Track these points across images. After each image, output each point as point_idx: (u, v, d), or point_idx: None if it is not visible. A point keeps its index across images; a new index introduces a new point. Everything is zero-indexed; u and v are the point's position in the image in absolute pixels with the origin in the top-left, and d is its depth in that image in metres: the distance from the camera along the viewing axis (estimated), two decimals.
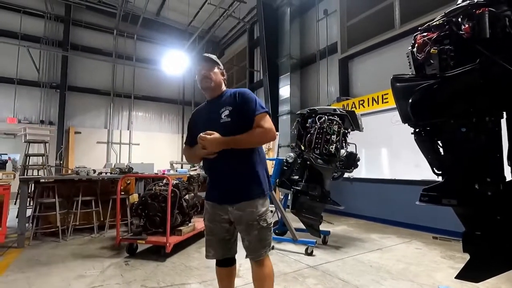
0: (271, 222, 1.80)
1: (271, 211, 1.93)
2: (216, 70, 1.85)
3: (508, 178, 1.53)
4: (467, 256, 1.66)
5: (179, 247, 3.72)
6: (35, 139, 6.79)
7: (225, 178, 1.75)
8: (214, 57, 1.88)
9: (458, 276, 1.70)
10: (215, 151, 1.63)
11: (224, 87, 1.90)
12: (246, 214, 1.70)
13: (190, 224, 4.05)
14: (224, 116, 1.71)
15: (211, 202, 1.81)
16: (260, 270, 1.75)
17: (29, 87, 10.26)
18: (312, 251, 3.57)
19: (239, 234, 1.82)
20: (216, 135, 1.62)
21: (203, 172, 6.92)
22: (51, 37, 10.63)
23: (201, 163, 1.91)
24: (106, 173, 5.12)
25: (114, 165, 5.81)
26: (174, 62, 9.46)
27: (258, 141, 1.74)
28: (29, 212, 4.30)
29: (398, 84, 1.80)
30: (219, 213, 1.76)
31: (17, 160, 7.84)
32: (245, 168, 1.74)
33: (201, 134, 1.64)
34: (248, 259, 1.81)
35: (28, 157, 6.72)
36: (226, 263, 1.84)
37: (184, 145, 2.00)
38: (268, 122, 1.69)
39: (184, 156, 2.04)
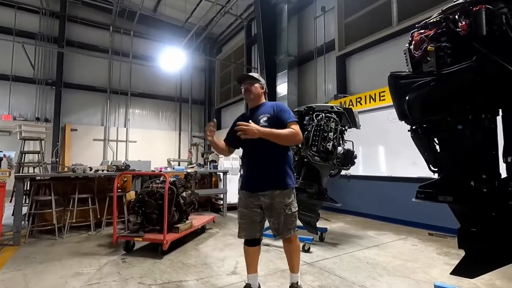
0: (296, 211, 2.22)
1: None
2: (256, 85, 2.30)
3: (503, 175, 1.54)
4: (462, 253, 1.67)
5: (176, 245, 3.72)
6: (30, 136, 6.74)
7: (260, 170, 2.15)
8: (256, 75, 2.37)
9: (454, 272, 1.72)
10: (253, 136, 1.98)
11: (263, 99, 2.36)
12: (275, 203, 2.11)
13: (187, 222, 4.05)
14: (263, 121, 2.15)
15: (245, 191, 2.23)
16: (289, 245, 2.25)
17: (24, 84, 10.14)
18: (309, 248, 3.59)
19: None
20: (254, 125, 1.99)
21: (200, 169, 6.92)
22: (46, 33, 10.50)
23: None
24: (102, 170, 5.10)
25: (111, 163, 5.77)
26: (171, 59, 9.40)
27: (289, 138, 2.09)
28: (25, 209, 4.28)
29: (395, 81, 1.80)
30: (252, 200, 2.19)
31: (13, 158, 7.76)
32: (278, 163, 2.15)
33: (238, 124, 2.01)
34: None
35: (23, 155, 6.67)
36: (254, 243, 2.26)
37: (224, 141, 2.41)
38: (298, 128, 2.13)
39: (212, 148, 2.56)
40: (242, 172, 2.35)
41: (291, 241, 2.23)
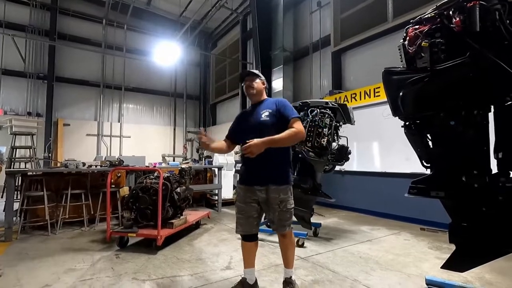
0: (292, 208, 2.23)
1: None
2: (258, 80, 2.32)
3: (494, 171, 1.56)
4: (453, 247, 1.70)
5: (170, 240, 3.71)
6: (21, 131, 6.61)
7: (258, 165, 2.14)
8: (256, 71, 2.38)
9: (444, 266, 1.75)
10: (260, 151, 1.97)
11: (265, 95, 2.38)
12: (270, 198, 2.15)
13: (181, 217, 4.04)
14: (264, 116, 2.18)
15: (243, 186, 2.26)
16: (284, 240, 2.27)
17: (15, 78, 9.93)
18: (303, 243, 3.61)
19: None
20: (255, 141, 1.96)
21: (195, 165, 6.88)
22: (37, 26, 10.27)
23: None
24: (96, 166, 5.05)
25: (105, 158, 5.71)
26: (166, 53, 9.28)
27: (292, 139, 2.11)
28: (16, 205, 4.22)
29: (389, 77, 1.81)
30: (249, 194, 2.21)
31: (3, 153, 7.63)
32: (276, 160, 2.16)
33: (242, 146, 2.00)
34: None
35: (15, 150, 6.56)
36: (250, 238, 2.28)
37: (226, 138, 2.45)
38: (299, 125, 2.13)
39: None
40: (241, 167, 2.37)
41: (286, 236, 2.26)
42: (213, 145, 2.33)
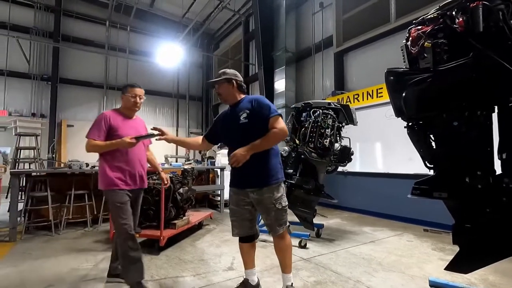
0: (286, 205, 2.17)
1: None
2: (225, 84, 2.19)
3: (498, 172, 1.55)
4: (456, 248, 1.69)
5: (173, 241, 3.72)
6: (26, 132, 6.68)
7: (246, 167, 2.00)
8: (226, 71, 2.23)
9: (448, 268, 1.73)
10: (245, 160, 1.95)
11: (241, 95, 2.24)
12: (264, 198, 2.08)
13: (184, 218, 4.05)
14: (243, 118, 2.08)
15: (235, 188, 2.20)
16: (280, 242, 2.17)
17: (19, 79, 10.02)
18: (305, 244, 3.60)
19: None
20: (238, 150, 1.96)
21: (197, 165, 6.89)
22: (42, 28, 10.35)
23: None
24: None
25: None
26: (168, 55, 9.32)
27: (275, 141, 2.08)
28: (21, 206, 4.25)
29: (392, 77, 1.80)
30: (242, 197, 2.16)
31: (8, 153, 7.71)
32: (263, 159, 2.07)
33: (229, 160, 2.04)
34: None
35: (19, 150, 6.62)
36: (248, 239, 2.24)
37: (203, 137, 2.42)
38: (280, 123, 2.04)
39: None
40: (230, 170, 2.28)
41: (283, 237, 2.15)
42: (176, 138, 2.40)
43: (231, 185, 2.25)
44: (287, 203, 2.19)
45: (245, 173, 2.08)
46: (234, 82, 2.20)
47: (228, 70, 2.24)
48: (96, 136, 2.42)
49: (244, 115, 2.08)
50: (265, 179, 2.08)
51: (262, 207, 2.11)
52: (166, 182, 2.81)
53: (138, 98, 2.56)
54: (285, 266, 2.19)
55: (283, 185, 2.19)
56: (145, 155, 2.64)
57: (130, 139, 2.28)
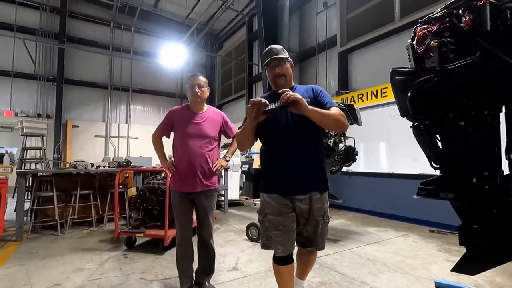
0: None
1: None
2: (287, 65, 1.87)
3: (505, 172, 1.53)
4: (463, 249, 1.67)
5: None
6: (32, 132, 6.75)
7: (298, 168, 1.67)
8: (279, 47, 1.85)
9: (454, 269, 1.71)
10: (304, 110, 1.52)
11: (293, 81, 1.93)
12: (314, 209, 1.71)
13: None
14: None
15: (277, 195, 1.72)
16: (312, 256, 1.94)
17: (25, 80, 10.15)
18: None
19: None
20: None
21: None
22: (47, 29, 10.47)
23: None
24: (104, 166, 5.11)
25: (112, 159, 5.79)
26: (172, 55, 9.36)
27: (335, 120, 1.66)
28: (27, 205, 4.30)
29: (397, 77, 1.78)
30: (285, 204, 1.71)
31: (14, 154, 7.79)
32: (317, 160, 1.77)
33: (281, 92, 1.55)
34: None
35: (25, 151, 6.69)
36: (288, 260, 1.74)
37: (238, 129, 2.00)
38: (343, 115, 1.72)
39: (236, 142, 1.97)
40: (264, 169, 1.86)
41: (315, 252, 1.95)
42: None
43: (267, 190, 1.77)
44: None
45: (293, 175, 1.69)
46: (293, 65, 1.91)
47: (280, 47, 1.86)
48: (158, 130, 2.55)
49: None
50: (318, 184, 1.74)
51: (309, 218, 1.73)
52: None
53: (197, 87, 2.30)
54: (304, 274, 2.05)
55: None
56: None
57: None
